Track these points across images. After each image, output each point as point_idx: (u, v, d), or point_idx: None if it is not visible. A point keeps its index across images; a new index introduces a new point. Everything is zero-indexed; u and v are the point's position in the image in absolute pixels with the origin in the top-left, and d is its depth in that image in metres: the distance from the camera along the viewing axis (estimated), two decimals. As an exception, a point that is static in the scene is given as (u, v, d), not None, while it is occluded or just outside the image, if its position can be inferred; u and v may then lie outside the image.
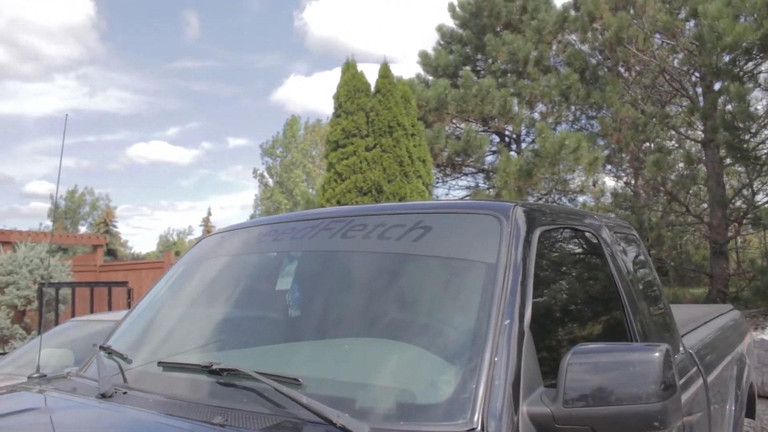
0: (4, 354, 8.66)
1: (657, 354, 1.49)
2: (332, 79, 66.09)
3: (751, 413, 4.01)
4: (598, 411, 1.47)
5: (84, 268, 13.19)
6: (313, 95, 66.84)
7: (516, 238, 1.85)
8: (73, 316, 10.20)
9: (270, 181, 41.65)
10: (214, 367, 1.72)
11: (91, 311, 10.01)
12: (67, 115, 3.19)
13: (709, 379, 3.08)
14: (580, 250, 2.38)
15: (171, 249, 45.18)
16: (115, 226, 50.63)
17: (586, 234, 2.39)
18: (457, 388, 1.51)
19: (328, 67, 76.57)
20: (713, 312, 4.46)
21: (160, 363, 1.97)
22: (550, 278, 2.04)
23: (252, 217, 45.74)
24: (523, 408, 1.53)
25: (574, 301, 2.23)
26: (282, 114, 72.39)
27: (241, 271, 2.42)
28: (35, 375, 2.54)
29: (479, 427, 1.43)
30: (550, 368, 1.70)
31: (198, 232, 54.30)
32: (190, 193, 78.52)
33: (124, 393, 1.87)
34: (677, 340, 2.91)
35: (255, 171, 42.84)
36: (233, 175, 76.92)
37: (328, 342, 1.88)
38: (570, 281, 2.26)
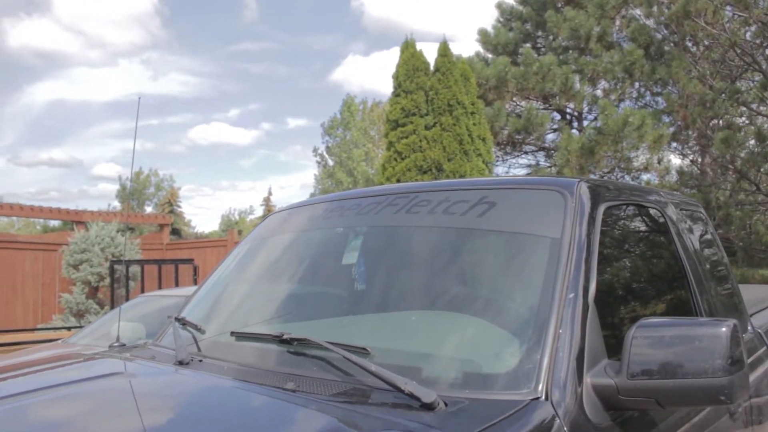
0: (81, 327, 9.11)
1: (724, 329, 1.48)
2: (390, 58, 65.93)
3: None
4: (663, 384, 1.48)
5: (151, 247, 13.67)
6: (371, 75, 66.82)
7: (580, 214, 1.86)
8: (142, 291, 10.62)
9: (329, 161, 42.03)
10: (285, 336, 1.79)
11: (159, 287, 10.40)
12: (139, 98, 3.32)
13: (779, 360, 3.00)
14: (644, 227, 2.36)
15: (233, 228, 46.26)
16: (179, 206, 52.16)
17: (651, 211, 2.37)
18: (521, 358, 1.55)
19: (386, 46, 76.39)
20: (785, 292, 4.33)
21: (232, 333, 2.07)
22: (614, 254, 2.04)
23: (312, 195, 46.31)
24: (587, 379, 1.55)
25: (639, 277, 2.22)
26: (340, 94, 72.70)
27: (307, 246, 2.50)
28: (115, 344, 2.69)
29: (543, 397, 1.46)
30: (614, 342, 1.72)
31: (259, 212, 55.37)
32: (251, 174, 79.92)
33: (200, 361, 1.97)
34: (745, 319, 2.85)
35: (315, 150, 43.27)
36: (292, 155, 77.89)
37: (394, 314, 1.93)
38: (634, 257, 2.25)
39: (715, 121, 12.61)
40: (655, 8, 11.94)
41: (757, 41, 11.49)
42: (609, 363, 1.62)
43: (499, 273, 1.87)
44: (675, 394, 1.48)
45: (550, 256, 1.74)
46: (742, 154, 12.16)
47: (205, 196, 79.47)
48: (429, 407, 1.40)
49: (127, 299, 10.97)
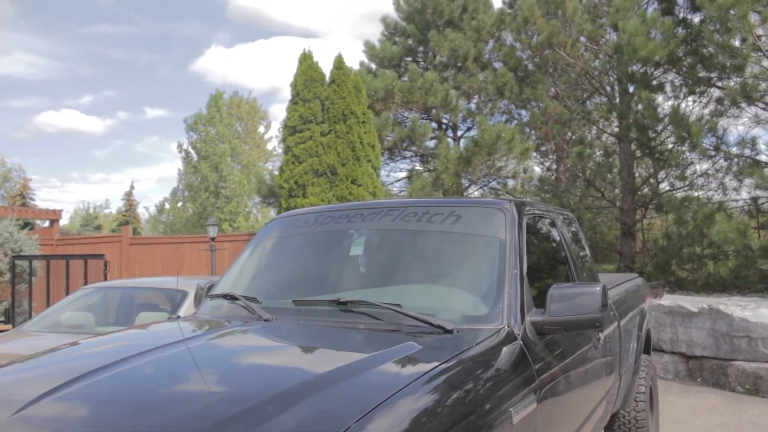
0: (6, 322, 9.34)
1: (598, 288, 2.74)
2: (254, 51, 65.67)
3: (647, 351, 5.43)
4: (568, 318, 2.70)
5: (42, 242, 13.66)
6: (234, 67, 66.30)
7: (512, 223, 3.07)
8: (47, 287, 10.87)
9: (194, 156, 41.46)
10: (342, 300, 2.83)
11: (67, 283, 10.67)
12: None
13: (622, 323, 4.40)
14: (546, 230, 3.65)
15: (91, 222, 44.41)
16: (32, 199, 49.16)
17: (548, 220, 3.67)
18: (493, 306, 2.73)
19: (251, 38, 75.65)
20: (624, 278, 5.88)
21: (294, 301, 3.04)
22: (531, 247, 3.27)
23: (175, 190, 45.48)
24: (527, 318, 2.75)
25: (543, 260, 3.50)
26: (201, 85, 70.81)
27: (321, 241, 3.52)
28: (174, 317, 3.56)
29: (506, 326, 2.64)
30: (533, 297, 2.95)
31: (117, 205, 53.29)
32: (104, 165, 75.69)
33: (276, 320, 2.93)
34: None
35: (179, 145, 42.60)
36: (149, 147, 74.79)
37: (404, 286, 3.04)
38: (541, 249, 3.53)
39: (569, 135, 14.68)
40: (523, 35, 13.74)
41: (604, 70, 13.60)
42: (536, 310, 2.84)
43: (473, 259, 3.04)
44: (573, 324, 2.72)
45: (500, 249, 2.94)
46: (590, 165, 14.30)
47: (52, 187, 73.95)
48: (450, 332, 2.54)
49: (30, 294, 11.15)
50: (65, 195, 76.63)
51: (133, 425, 1.78)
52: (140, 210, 51.53)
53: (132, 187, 62.13)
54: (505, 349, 2.52)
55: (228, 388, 2.09)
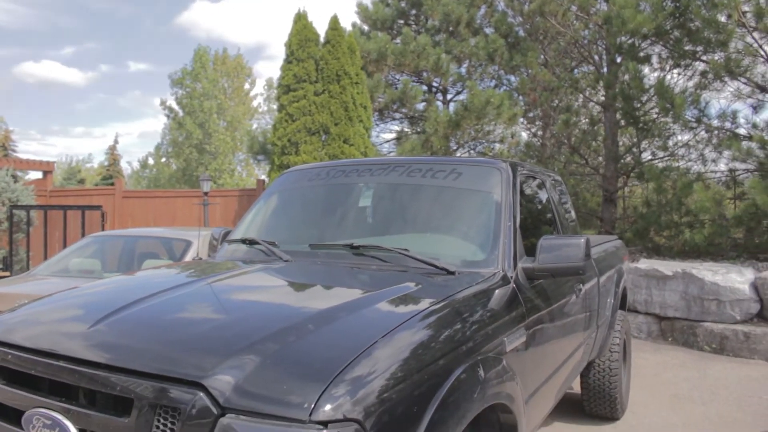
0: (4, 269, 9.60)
1: (582, 240, 3.10)
2: (240, 7, 64.28)
3: (623, 307, 5.85)
4: (555, 265, 3.07)
5: (36, 193, 13.83)
6: (219, 22, 65.14)
7: (507, 181, 3.42)
8: (45, 237, 11.12)
9: (179, 111, 41.15)
10: (355, 244, 3.17)
11: (64, 233, 10.94)
12: None
13: (601, 279, 4.79)
14: (536, 190, 4.01)
15: (74, 176, 44.22)
16: (14, 150, 48.69)
17: (539, 181, 4.02)
18: (489, 253, 3.08)
19: (237, -6, 73.96)
20: (605, 239, 6.29)
21: (310, 245, 3.37)
22: (523, 203, 3.63)
23: (159, 146, 45.33)
24: (519, 265, 3.12)
25: (533, 215, 3.86)
26: (185, 40, 69.10)
27: (332, 193, 3.83)
28: (197, 258, 3.89)
29: (501, 271, 3.00)
30: (525, 248, 3.31)
31: (98, 160, 52.92)
32: (85, 118, 74.35)
33: (294, 261, 3.26)
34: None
35: (163, 102, 42.14)
36: (132, 101, 73.57)
37: (412, 234, 3.38)
38: (532, 206, 3.89)
39: (556, 103, 15.00)
40: (515, 2, 13.93)
41: (592, 39, 13.88)
42: (527, 258, 3.21)
43: (472, 211, 3.39)
44: (560, 271, 3.09)
45: (496, 204, 3.29)
46: (575, 133, 14.66)
47: (32, 140, 73.09)
48: (452, 273, 2.89)
49: (28, 243, 11.39)
50: (46, 148, 75.49)
51: (183, 335, 2.18)
52: (123, 165, 51.18)
53: (116, 141, 61.35)
54: (500, 289, 2.89)
55: (258, 314, 2.44)
